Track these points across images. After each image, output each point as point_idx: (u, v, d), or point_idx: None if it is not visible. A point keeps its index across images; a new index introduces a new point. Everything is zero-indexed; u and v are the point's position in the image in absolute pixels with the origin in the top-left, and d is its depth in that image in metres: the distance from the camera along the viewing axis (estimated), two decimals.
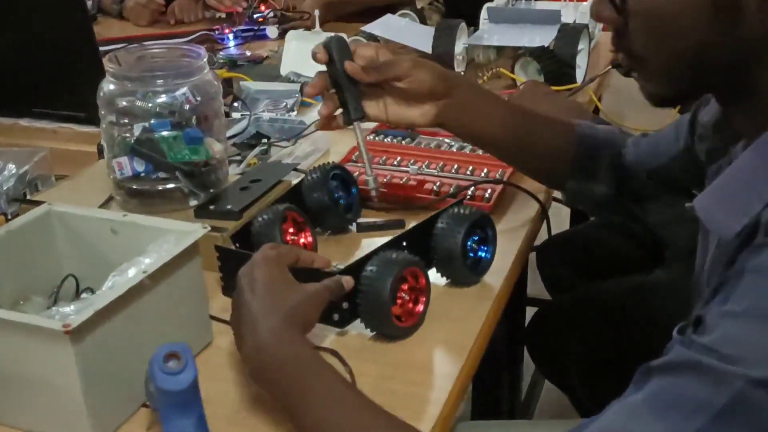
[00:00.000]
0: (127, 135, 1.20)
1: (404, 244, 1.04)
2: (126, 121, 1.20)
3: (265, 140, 1.48)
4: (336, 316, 0.97)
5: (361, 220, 1.25)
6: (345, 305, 0.97)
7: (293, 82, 1.78)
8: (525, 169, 1.24)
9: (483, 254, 1.10)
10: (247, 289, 0.86)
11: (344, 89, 1.08)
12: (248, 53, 2.10)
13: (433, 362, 0.96)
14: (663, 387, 0.67)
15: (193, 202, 1.21)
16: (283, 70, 1.87)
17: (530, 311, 1.66)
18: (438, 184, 1.29)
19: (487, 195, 1.26)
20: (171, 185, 1.21)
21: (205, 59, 1.25)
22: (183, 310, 0.95)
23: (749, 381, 0.62)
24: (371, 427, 0.77)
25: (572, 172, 1.16)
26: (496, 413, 1.62)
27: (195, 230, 0.94)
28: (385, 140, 1.45)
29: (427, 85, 1.06)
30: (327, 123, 1.11)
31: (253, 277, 0.87)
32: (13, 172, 1.35)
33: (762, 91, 0.74)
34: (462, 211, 1.08)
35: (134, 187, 1.21)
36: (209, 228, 0.95)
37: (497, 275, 1.10)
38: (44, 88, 1.67)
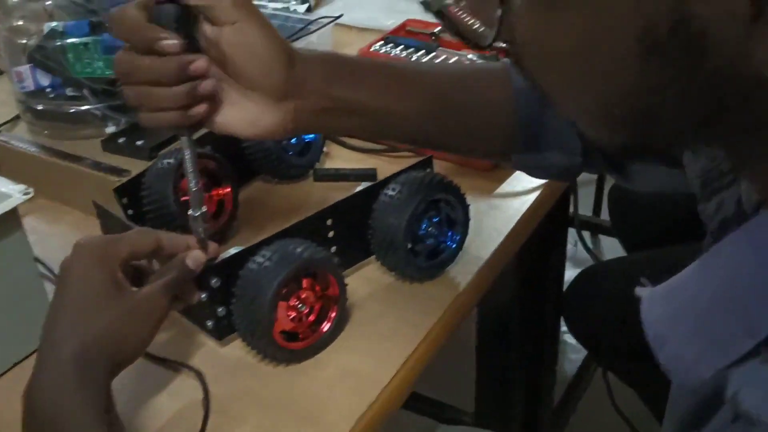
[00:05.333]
0: (30, 39, 0.94)
1: (328, 223, 0.75)
2: (23, 23, 0.94)
3: None
4: (210, 324, 0.71)
5: (325, 165, 0.96)
6: (221, 311, 0.70)
7: None
8: (453, 151, 0.83)
9: (446, 242, 0.78)
10: (56, 296, 0.60)
11: None
12: None
13: (327, 404, 0.67)
14: None
15: (111, 129, 0.95)
16: None
17: None
18: None
19: None
20: (85, 106, 0.95)
21: None
22: None
23: None
24: None
25: (514, 147, 0.74)
26: (503, 420, 1.26)
27: (11, 196, 0.68)
28: (394, 52, 1.11)
29: (259, 51, 0.61)
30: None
31: (64, 280, 0.60)
32: None
33: None
34: (421, 177, 0.77)
35: (39, 107, 0.95)
36: (31, 193, 0.68)
37: (471, 265, 0.80)
38: None
